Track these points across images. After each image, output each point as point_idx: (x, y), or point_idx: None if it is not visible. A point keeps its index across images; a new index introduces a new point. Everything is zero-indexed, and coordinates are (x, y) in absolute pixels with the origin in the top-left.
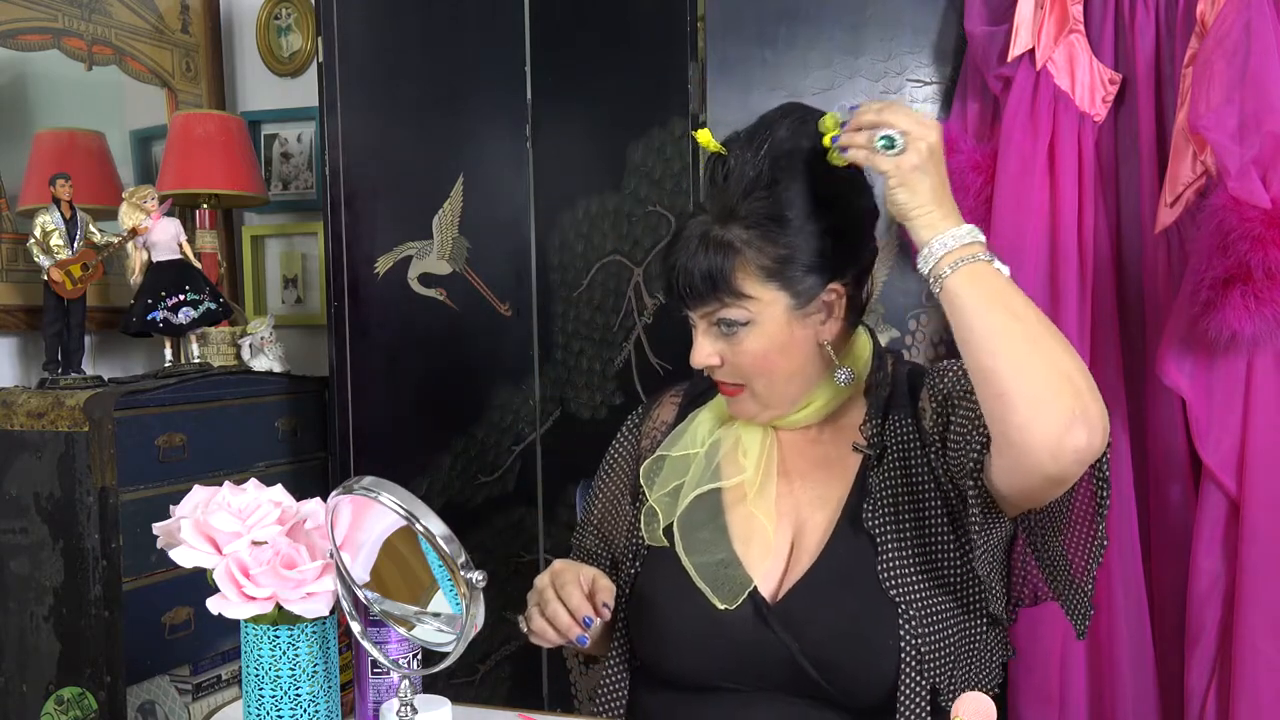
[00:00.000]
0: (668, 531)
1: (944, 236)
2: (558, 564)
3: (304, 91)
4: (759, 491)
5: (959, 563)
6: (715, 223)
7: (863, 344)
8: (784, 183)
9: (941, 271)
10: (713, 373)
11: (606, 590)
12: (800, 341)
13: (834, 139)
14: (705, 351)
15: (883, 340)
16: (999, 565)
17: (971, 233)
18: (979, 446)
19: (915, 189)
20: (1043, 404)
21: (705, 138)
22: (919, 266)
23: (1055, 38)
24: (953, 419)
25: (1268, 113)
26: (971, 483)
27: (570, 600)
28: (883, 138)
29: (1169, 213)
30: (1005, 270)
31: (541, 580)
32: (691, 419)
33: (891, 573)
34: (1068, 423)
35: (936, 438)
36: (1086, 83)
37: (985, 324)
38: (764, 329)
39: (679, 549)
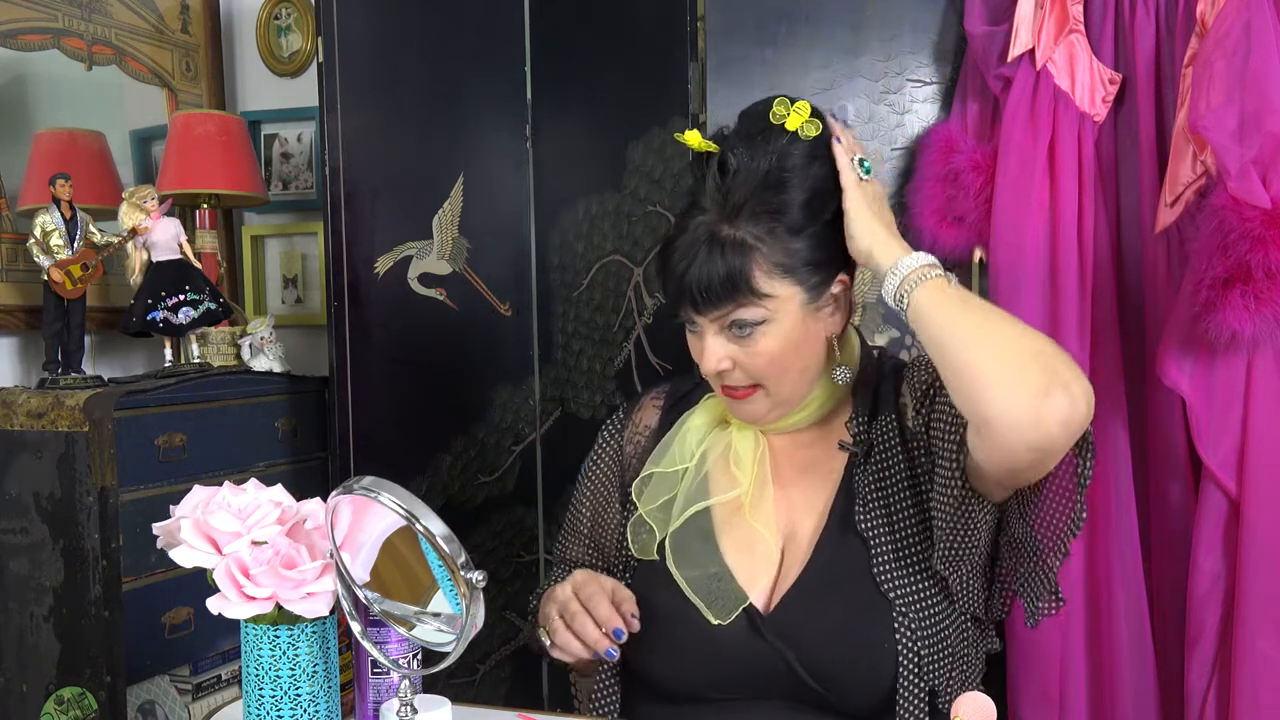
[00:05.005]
0: (660, 546)
1: (904, 261)
2: (579, 575)
3: (304, 91)
4: (756, 504)
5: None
6: (722, 221)
7: (854, 342)
8: (792, 179)
9: (906, 290)
10: (723, 378)
11: (630, 600)
12: (812, 337)
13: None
14: (718, 356)
15: (883, 340)
16: (977, 568)
17: (922, 256)
18: (961, 432)
19: (872, 226)
20: (1014, 381)
21: (695, 139)
22: (884, 292)
23: (1055, 38)
24: (934, 410)
25: (1268, 113)
26: (952, 469)
27: (598, 612)
28: (861, 160)
29: (1169, 213)
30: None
31: (564, 592)
32: (679, 428)
33: (887, 571)
34: (1043, 390)
35: (921, 430)
36: (1086, 83)
37: (953, 327)
38: (780, 326)
39: (670, 564)
